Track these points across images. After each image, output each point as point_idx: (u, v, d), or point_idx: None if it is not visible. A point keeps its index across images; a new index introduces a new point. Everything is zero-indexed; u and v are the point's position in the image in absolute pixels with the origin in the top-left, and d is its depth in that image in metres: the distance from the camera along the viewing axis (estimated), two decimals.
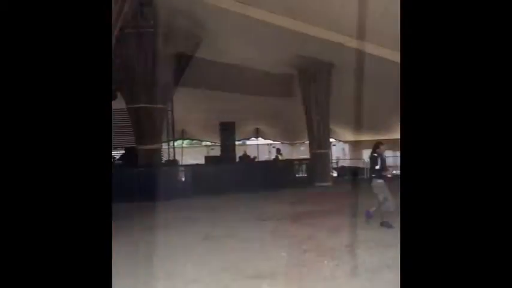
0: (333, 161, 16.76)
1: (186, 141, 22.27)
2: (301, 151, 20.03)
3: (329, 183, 13.81)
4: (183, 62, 13.20)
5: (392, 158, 13.92)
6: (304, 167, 14.29)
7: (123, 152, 16.25)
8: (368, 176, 9.04)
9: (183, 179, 12.04)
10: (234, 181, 12.63)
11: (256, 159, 17.49)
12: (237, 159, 15.92)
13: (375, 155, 6.87)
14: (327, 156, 14.38)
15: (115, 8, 6.73)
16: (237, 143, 17.51)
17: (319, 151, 14.10)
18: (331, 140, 15.48)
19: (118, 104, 14.58)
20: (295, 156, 18.72)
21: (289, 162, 15.00)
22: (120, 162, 15.25)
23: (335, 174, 16.43)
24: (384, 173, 6.82)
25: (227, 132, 15.97)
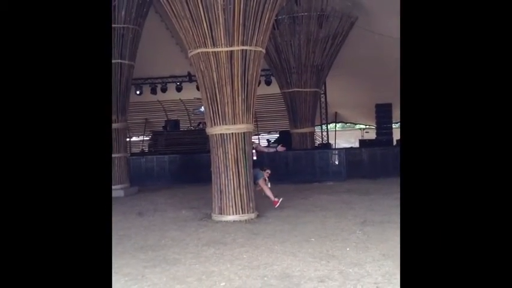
0: None
1: (339, 124, 21.99)
2: None
3: None
4: (336, 43, 12.93)
5: None
6: None
7: (278, 135, 16.77)
8: None
9: (337, 162, 11.90)
10: (391, 165, 12.03)
11: None
12: (394, 143, 15.16)
13: None
14: None
15: None
16: (394, 125, 16.68)
17: None
18: None
19: (273, 89, 15.07)
20: None
21: None
22: (275, 145, 15.78)
23: None
24: None
25: (383, 114, 15.30)
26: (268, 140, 17.17)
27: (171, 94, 17.64)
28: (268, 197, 7.47)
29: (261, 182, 7.28)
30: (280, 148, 7.57)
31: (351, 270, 4.03)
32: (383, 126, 15.38)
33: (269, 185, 7.50)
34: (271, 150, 7.54)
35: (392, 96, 15.43)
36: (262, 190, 7.47)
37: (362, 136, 17.52)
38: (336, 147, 16.99)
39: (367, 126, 18.97)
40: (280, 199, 7.38)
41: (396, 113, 16.84)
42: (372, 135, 16.54)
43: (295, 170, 11.61)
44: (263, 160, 7.64)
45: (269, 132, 18.95)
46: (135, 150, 19.00)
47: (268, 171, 7.46)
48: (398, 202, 8.37)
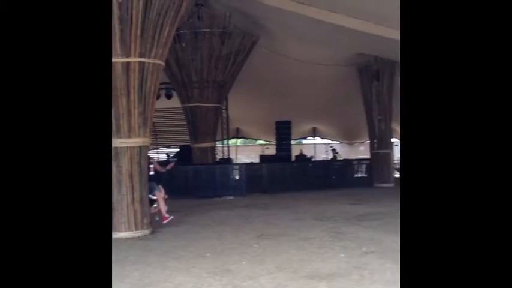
0: (396, 161, 15.97)
1: (240, 140, 22.30)
2: (361, 151, 19.46)
3: (391, 185, 13.20)
4: (238, 61, 13.14)
5: None
6: (363, 167, 13.81)
7: (178, 149, 16.51)
8: None
9: (237, 177, 11.98)
10: (290, 180, 12.44)
11: (313, 159, 17.13)
12: (293, 159, 15.68)
13: None
14: (389, 157, 13.77)
15: (173, 9, 6.68)
16: (293, 142, 17.26)
17: (380, 151, 13.56)
18: (393, 140, 14.75)
19: (173, 103, 14.83)
20: (353, 156, 18.20)
21: (347, 162, 14.56)
22: (175, 159, 15.50)
23: (398, 175, 15.68)
24: None
25: (283, 131, 15.79)
26: (167, 154, 16.83)
27: None
28: (160, 211, 7.26)
29: (157, 194, 7.11)
30: (169, 166, 7.61)
31: (245, 283, 4.02)
32: (283, 143, 15.85)
33: (166, 208, 7.35)
34: (164, 170, 7.49)
35: (292, 113, 16.10)
36: (158, 210, 7.27)
37: (262, 152, 17.90)
38: (237, 162, 17.15)
39: (268, 142, 19.44)
40: (171, 217, 7.18)
41: (296, 129, 17.52)
42: (272, 151, 16.96)
43: (196, 185, 11.49)
44: (159, 176, 7.46)
45: (169, 146, 18.60)
46: None
47: (162, 189, 7.32)
48: (296, 216, 8.62)
